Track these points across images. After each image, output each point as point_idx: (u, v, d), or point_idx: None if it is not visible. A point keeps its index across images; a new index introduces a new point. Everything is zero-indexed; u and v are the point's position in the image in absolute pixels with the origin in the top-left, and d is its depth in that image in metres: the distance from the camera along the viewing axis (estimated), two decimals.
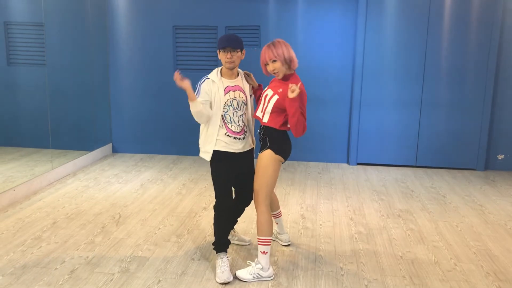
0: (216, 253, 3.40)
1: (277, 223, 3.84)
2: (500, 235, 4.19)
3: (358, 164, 6.56)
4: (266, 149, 3.28)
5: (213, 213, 3.58)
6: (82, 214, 4.45)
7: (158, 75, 6.71)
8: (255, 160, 3.42)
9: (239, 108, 3.36)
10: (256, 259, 3.31)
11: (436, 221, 4.49)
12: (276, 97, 3.25)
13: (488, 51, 6.11)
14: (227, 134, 3.33)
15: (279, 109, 3.25)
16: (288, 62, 3.24)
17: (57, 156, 5.99)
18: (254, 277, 3.26)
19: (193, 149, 6.75)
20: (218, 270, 3.28)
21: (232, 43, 3.27)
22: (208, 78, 3.34)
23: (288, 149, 3.38)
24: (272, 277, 3.30)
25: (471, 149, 6.36)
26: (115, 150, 7.00)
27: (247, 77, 3.51)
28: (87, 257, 3.56)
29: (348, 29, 6.33)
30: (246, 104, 3.40)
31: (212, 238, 3.93)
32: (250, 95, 3.47)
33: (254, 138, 3.57)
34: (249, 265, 3.37)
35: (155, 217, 4.42)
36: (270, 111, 3.27)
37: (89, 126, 6.52)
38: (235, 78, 3.41)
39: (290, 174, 6.04)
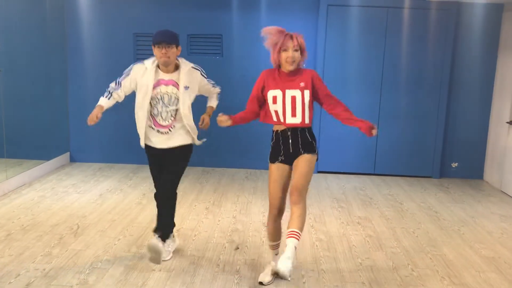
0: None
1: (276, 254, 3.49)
2: (454, 240, 4.35)
3: (319, 172, 6.66)
4: (314, 153, 3.22)
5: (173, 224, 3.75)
6: (39, 226, 4.31)
7: None
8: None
9: (170, 103, 3.37)
10: (288, 252, 2.95)
11: (393, 228, 4.61)
12: (307, 92, 3.13)
13: (442, 63, 6.36)
14: (150, 126, 3.44)
15: (311, 104, 3.20)
16: (303, 54, 3.18)
17: (11, 165, 5.79)
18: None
19: None
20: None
21: (167, 38, 3.25)
22: (143, 64, 3.39)
23: None
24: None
25: (427, 157, 6.58)
26: (73, 160, 6.83)
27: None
28: (44, 269, 3.45)
29: (309, 40, 6.43)
30: (178, 99, 3.37)
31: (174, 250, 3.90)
32: (186, 87, 3.39)
33: (194, 134, 3.55)
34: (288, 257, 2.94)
35: (114, 228, 4.34)
36: (307, 109, 3.16)
37: (46, 134, 6.33)
38: (172, 72, 3.38)
39: (253, 182, 6.07)
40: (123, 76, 3.51)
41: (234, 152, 6.73)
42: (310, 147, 3.22)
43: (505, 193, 5.97)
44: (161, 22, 6.44)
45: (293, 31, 3.17)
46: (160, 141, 3.48)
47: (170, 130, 3.45)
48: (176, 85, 3.37)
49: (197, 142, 3.61)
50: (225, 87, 6.53)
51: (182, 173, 3.59)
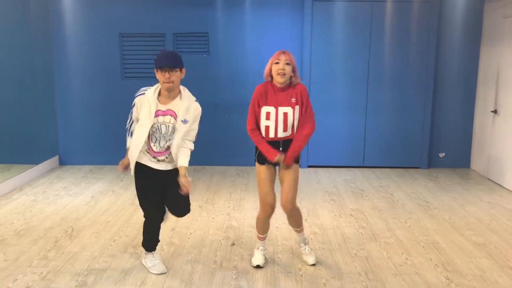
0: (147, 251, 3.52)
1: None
2: (445, 228, 4.43)
3: (309, 166, 6.72)
4: (297, 162, 3.46)
5: (169, 222, 3.77)
6: (33, 230, 4.29)
7: (105, 84, 6.58)
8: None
9: (167, 133, 3.19)
10: (304, 243, 3.69)
11: (386, 219, 4.68)
12: (297, 107, 3.34)
13: (427, 56, 6.45)
14: (147, 151, 3.25)
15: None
16: (294, 71, 3.32)
17: (0, 170, 5.75)
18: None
19: None
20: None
21: (170, 61, 3.06)
22: (143, 94, 3.22)
23: None
24: None
25: (415, 148, 6.68)
26: (62, 162, 6.78)
27: None
28: (41, 273, 3.45)
29: (296, 36, 6.48)
30: (174, 129, 3.18)
31: (169, 248, 3.92)
32: (185, 120, 3.18)
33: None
34: (308, 250, 3.69)
35: (109, 229, 4.34)
36: (296, 123, 3.37)
37: (34, 138, 6.28)
38: (171, 101, 3.19)
39: (244, 179, 6.10)
40: (132, 110, 3.36)
41: (224, 150, 6.76)
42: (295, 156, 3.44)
43: (492, 180, 6.08)
44: (147, 21, 6.45)
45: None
46: (158, 165, 3.29)
47: (166, 157, 3.27)
48: (173, 114, 3.17)
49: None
50: (212, 85, 6.59)
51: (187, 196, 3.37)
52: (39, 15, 6.29)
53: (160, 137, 3.22)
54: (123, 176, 6.18)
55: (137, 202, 5.05)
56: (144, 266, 3.52)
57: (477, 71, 6.55)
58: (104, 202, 5.12)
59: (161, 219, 3.49)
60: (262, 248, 3.65)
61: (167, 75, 3.07)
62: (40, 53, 6.34)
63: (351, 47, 6.44)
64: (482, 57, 6.46)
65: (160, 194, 3.36)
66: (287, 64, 3.26)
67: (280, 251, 3.88)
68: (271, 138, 3.36)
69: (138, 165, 3.29)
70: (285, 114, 3.30)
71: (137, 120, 3.28)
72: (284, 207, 3.45)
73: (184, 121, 3.19)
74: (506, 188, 5.74)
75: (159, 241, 3.57)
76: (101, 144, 6.72)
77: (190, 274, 3.46)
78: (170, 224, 4.28)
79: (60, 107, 6.66)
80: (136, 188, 3.40)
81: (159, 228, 3.51)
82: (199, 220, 4.60)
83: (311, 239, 4.14)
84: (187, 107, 3.19)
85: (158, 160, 3.27)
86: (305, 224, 4.49)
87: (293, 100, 3.31)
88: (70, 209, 4.89)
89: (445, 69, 6.56)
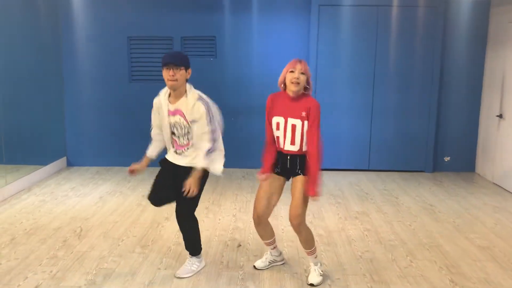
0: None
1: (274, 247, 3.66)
2: (450, 231, 4.46)
3: None
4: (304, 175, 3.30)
5: (175, 223, 3.71)
6: (42, 229, 4.36)
7: (113, 86, 6.66)
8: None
9: (183, 131, 3.28)
10: (314, 263, 3.45)
11: (390, 221, 4.71)
12: (306, 122, 3.21)
13: (432, 59, 6.49)
14: (172, 145, 3.39)
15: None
16: (308, 82, 3.22)
17: (9, 171, 5.82)
18: (321, 275, 3.43)
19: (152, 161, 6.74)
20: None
21: (174, 59, 3.14)
22: (158, 95, 3.33)
23: None
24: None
25: (420, 152, 6.71)
26: (70, 164, 6.86)
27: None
28: (51, 271, 3.51)
29: (302, 39, 6.54)
30: (188, 127, 3.25)
31: (176, 248, 3.97)
32: (193, 121, 3.22)
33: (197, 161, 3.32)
34: (312, 271, 3.44)
35: (117, 229, 4.40)
36: (305, 137, 3.26)
37: (43, 139, 6.37)
38: (178, 100, 3.24)
39: (250, 182, 6.15)
40: (152, 115, 3.46)
41: (231, 152, 6.78)
42: (305, 169, 3.31)
43: (497, 184, 6.11)
44: (155, 25, 6.52)
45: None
46: (174, 159, 3.41)
47: (184, 151, 3.35)
48: (181, 114, 3.23)
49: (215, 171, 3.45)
50: (219, 88, 6.65)
51: (198, 195, 3.40)
52: (49, 18, 6.39)
53: (179, 135, 3.32)
54: (130, 177, 6.25)
55: (144, 203, 5.15)
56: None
57: (482, 75, 6.58)
58: (112, 203, 5.18)
59: (159, 202, 3.48)
60: (269, 252, 3.63)
61: (171, 72, 3.13)
62: (50, 55, 6.43)
63: (357, 51, 6.49)
64: (487, 62, 6.49)
65: (170, 182, 3.40)
66: (302, 73, 3.15)
67: (285, 252, 3.92)
68: (281, 149, 3.30)
69: (164, 159, 3.47)
70: (293, 126, 3.21)
71: (156, 125, 3.41)
72: (290, 221, 3.28)
73: (193, 121, 3.23)
74: (510, 192, 5.76)
75: (194, 248, 3.58)
76: (108, 146, 6.79)
77: (197, 274, 3.50)
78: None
79: (68, 109, 6.74)
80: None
81: (184, 231, 3.53)
82: (205, 221, 4.65)
83: (316, 241, 4.18)
84: (192, 106, 3.21)
85: (177, 153, 3.38)
86: (310, 226, 4.54)
87: (304, 114, 3.18)
88: (78, 209, 4.96)
89: (450, 74, 6.60)
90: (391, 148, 6.69)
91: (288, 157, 3.31)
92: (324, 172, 6.66)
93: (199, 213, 4.84)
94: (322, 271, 3.46)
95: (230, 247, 4.04)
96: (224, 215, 4.85)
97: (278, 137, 3.29)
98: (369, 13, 6.41)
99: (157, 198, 3.46)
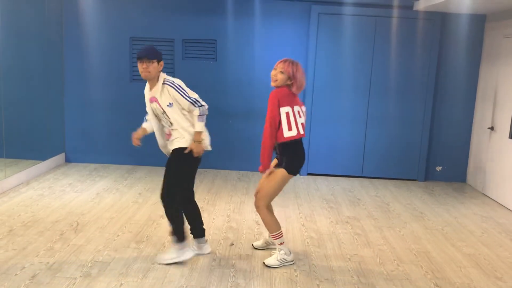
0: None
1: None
2: (438, 238, 4.58)
3: (309, 174, 6.87)
4: (283, 166, 3.70)
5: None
6: (39, 222, 4.45)
7: (114, 86, 6.77)
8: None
9: (162, 117, 3.65)
10: (277, 248, 3.76)
11: (380, 227, 4.83)
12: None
13: (428, 70, 6.63)
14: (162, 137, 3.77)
15: None
16: (292, 80, 3.57)
17: (9, 165, 5.91)
18: (280, 262, 3.74)
19: (148, 159, 6.85)
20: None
21: (147, 53, 3.49)
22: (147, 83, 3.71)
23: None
24: (294, 262, 3.81)
25: (413, 161, 6.83)
26: (68, 160, 6.96)
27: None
28: (48, 262, 3.61)
29: (301, 46, 6.66)
30: (164, 113, 3.59)
31: (171, 244, 4.07)
32: (170, 103, 3.52)
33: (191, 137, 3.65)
34: (273, 254, 3.81)
35: (113, 225, 4.50)
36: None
37: (42, 135, 6.46)
38: (152, 88, 3.60)
39: (245, 183, 6.26)
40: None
41: (227, 154, 6.92)
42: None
43: (486, 195, 6.23)
44: (157, 27, 6.64)
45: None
46: (163, 146, 3.82)
47: (170, 139, 3.71)
48: (156, 101, 3.59)
49: (201, 146, 3.67)
50: (218, 90, 6.77)
51: (174, 176, 3.62)
52: (52, 18, 6.49)
53: (163, 122, 3.70)
54: (127, 175, 6.35)
55: (140, 200, 5.25)
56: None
57: (476, 87, 6.72)
58: (109, 199, 5.28)
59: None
60: (266, 235, 4.09)
61: (144, 65, 3.50)
62: (52, 52, 6.54)
63: (354, 59, 6.62)
64: (481, 75, 6.63)
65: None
66: (281, 72, 3.56)
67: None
68: (302, 134, 3.63)
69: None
70: (298, 112, 3.65)
71: (147, 108, 3.77)
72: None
73: (170, 105, 3.55)
74: (499, 203, 5.89)
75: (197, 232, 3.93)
76: (107, 144, 6.90)
77: (190, 270, 3.61)
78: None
79: (68, 106, 6.85)
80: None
81: (189, 214, 3.86)
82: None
83: (307, 243, 4.30)
84: (161, 92, 3.55)
85: (166, 140, 3.75)
86: (302, 228, 4.66)
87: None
88: (75, 204, 5.05)
89: (445, 85, 6.73)
90: (384, 156, 6.82)
91: (277, 148, 3.75)
92: (318, 177, 6.79)
93: None
94: (285, 260, 3.74)
95: (223, 245, 4.14)
96: (218, 215, 4.96)
97: (303, 124, 3.66)
98: (367, 23, 6.55)
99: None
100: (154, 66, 3.51)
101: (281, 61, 3.60)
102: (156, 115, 3.70)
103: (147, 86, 3.68)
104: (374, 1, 6.49)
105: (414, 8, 6.44)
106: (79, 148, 6.94)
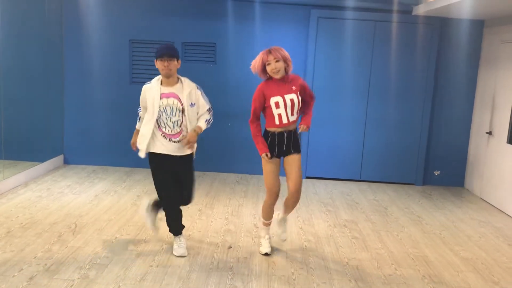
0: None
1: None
2: (435, 243, 4.59)
3: (307, 177, 6.88)
4: (300, 152, 3.91)
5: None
6: (37, 224, 4.45)
7: (114, 87, 6.77)
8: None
9: (173, 114, 3.68)
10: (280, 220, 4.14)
11: (378, 231, 4.83)
12: (298, 94, 3.76)
13: (426, 75, 6.65)
14: (163, 135, 3.74)
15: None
16: (287, 62, 3.70)
17: (7, 166, 5.91)
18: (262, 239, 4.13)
19: (147, 162, 6.83)
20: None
21: (169, 51, 3.60)
22: (150, 83, 3.76)
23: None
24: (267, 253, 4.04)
25: (411, 165, 6.85)
26: (66, 162, 6.96)
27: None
28: (45, 264, 3.61)
29: (300, 50, 6.68)
30: (182, 111, 3.69)
31: (169, 247, 4.07)
32: (192, 104, 3.74)
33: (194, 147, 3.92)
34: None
35: (111, 227, 4.50)
36: (298, 109, 3.80)
37: (41, 136, 6.46)
38: (172, 85, 3.71)
39: (244, 186, 6.26)
40: (140, 98, 3.87)
41: (225, 157, 6.93)
42: (298, 147, 3.89)
43: (484, 200, 6.25)
44: (157, 29, 6.66)
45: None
46: (173, 149, 3.77)
47: (182, 138, 3.75)
48: (176, 97, 3.68)
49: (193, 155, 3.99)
50: (217, 94, 6.77)
51: (194, 179, 4.04)
52: (52, 19, 6.50)
53: (166, 119, 3.69)
54: (125, 177, 6.35)
55: (138, 203, 5.25)
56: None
57: (474, 92, 6.74)
58: (107, 201, 5.28)
59: (177, 203, 3.91)
60: (268, 236, 4.10)
61: (166, 63, 3.60)
62: (52, 54, 6.55)
63: (353, 63, 6.64)
64: (479, 80, 6.65)
65: (174, 179, 3.83)
66: (277, 61, 3.64)
67: (274, 255, 4.03)
68: (285, 124, 3.74)
69: (153, 154, 3.79)
70: (292, 100, 3.72)
71: (144, 107, 3.80)
72: (294, 194, 3.85)
73: (192, 105, 3.73)
74: (497, 208, 5.91)
75: (183, 226, 4.01)
76: (105, 146, 6.90)
77: (188, 273, 3.61)
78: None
79: (68, 107, 6.85)
80: (152, 177, 3.88)
81: (179, 212, 3.95)
82: (198, 223, 4.75)
83: (305, 246, 4.31)
84: (189, 92, 3.73)
85: (174, 142, 3.73)
86: (300, 232, 4.67)
87: (294, 88, 3.74)
88: (73, 206, 5.05)
89: (443, 90, 6.76)
90: (383, 160, 6.83)
91: (285, 135, 3.79)
92: (316, 180, 6.80)
93: (191, 214, 4.97)
94: (260, 243, 4.09)
95: (221, 248, 4.15)
96: (216, 217, 4.96)
97: (280, 114, 3.74)
98: (366, 28, 6.57)
99: (174, 202, 3.90)
100: (174, 63, 3.64)
101: (267, 53, 3.65)
102: (162, 111, 3.69)
103: (156, 82, 3.73)
104: (373, 5, 6.51)
105: (413, 13, 6.46)
106: (78, 150, 6.94)
